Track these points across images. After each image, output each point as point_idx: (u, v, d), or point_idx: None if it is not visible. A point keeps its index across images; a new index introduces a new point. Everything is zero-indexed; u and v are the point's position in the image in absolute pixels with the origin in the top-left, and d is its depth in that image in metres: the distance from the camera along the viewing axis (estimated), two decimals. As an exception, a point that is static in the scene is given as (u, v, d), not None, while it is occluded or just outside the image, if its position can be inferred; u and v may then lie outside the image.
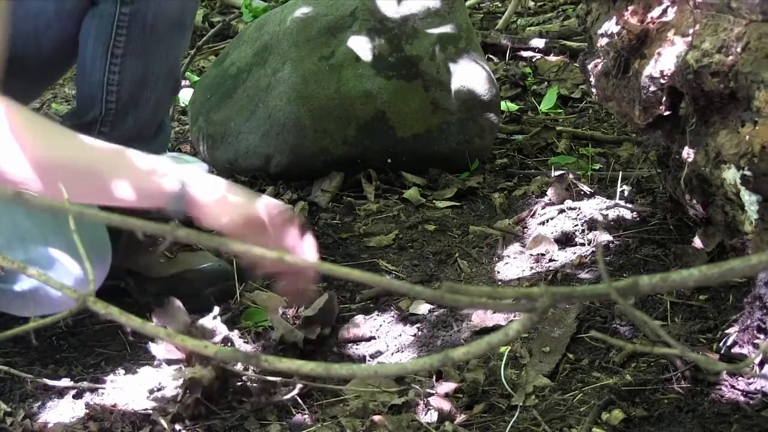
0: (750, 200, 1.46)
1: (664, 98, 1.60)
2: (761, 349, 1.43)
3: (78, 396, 1.57)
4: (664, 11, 1.60)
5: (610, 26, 1.70)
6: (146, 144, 1.78)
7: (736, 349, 1.51)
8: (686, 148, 1.63)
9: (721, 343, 1.55)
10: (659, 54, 1.60)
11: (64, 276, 1.45)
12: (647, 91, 1.62)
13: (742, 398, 1.44)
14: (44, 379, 1.60)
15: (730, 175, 1.49)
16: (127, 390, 1.57)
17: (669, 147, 1.79)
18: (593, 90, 1.83)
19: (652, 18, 1.61)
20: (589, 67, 1.81)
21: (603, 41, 1.73)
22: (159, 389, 1.56)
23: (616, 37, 1.67)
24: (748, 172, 1.43)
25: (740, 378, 1.47)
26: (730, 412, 1.41)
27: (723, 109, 1.51)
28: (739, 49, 1.42)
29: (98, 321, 1.75)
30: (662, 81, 1.59)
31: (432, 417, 1.46)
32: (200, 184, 1.35)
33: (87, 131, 1.71)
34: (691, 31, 1.51)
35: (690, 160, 1.61)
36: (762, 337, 1.47)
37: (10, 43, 1.67)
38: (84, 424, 1.48)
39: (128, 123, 1.71)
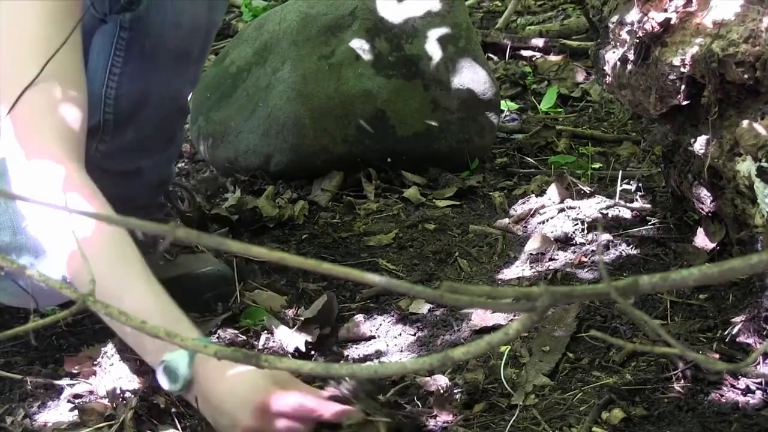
0: (765, 192, 1.47)
1: (682, 87, 1.61)
2: (765, 344, 1.43)
3: (77, 395, 1.57)
4: (689, 1, 1.60)
5: (632, 15, 1.70)
6: (152, 157, 1.78)
7: (741, 339, 1.51)
8: (699, 139, 1.63)
9: (725, 332, 1.55)
10: (682, 42, 1.60)
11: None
12: (666, 79, 1.62)
13: (742, 397, 1.44)
14: (44, 379, 1.60)
15: (744, 167, 1.50)
16: (127, 386, 1.57)
17: (677, 141, 1.79)
18: (607, 79, 1.83)
19: (676, 7, 1.61)
20: (606, 56, 1.81)
21: (623, 30, 1.73)
22: (158, 386, 1.56)
23: (637, 25, 1.67)
24: (765, 164, 1.44)
25: (741, 377, 1.47)
26: (730, 411, 1.41)
27: (739, 103, 1.52)
28: None
29: (98, 320, 1.75)
30: (683, 69, 1.59)
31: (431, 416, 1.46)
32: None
33: (91, 137, 1.72)
34: (718, 20, 1.51)
35: (703, 151, 1.61)
36: (769, 327, 1.48)
37: None
38: (83, 424, 1.48)
39: (128, 136, 1.71)
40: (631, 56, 1.72)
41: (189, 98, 1.89)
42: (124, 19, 1.58)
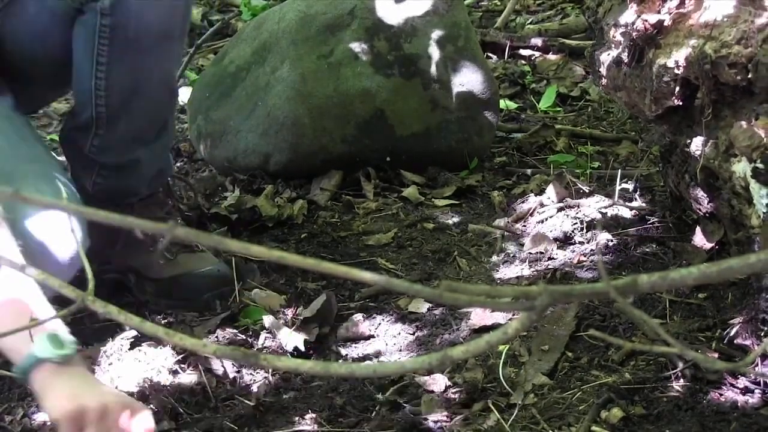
0: (760, 193, 1.47)
1: (677, 89, 1.61)
2: (764, 344, 1.43)
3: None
4: (682, 2, 1.60)
5: (626, 17, 1.70)
6: (147, 145, 1.78)
7: (738, 340, 1.51)
8: (695, 140, 1.63)
9: (723, 333, 1.55)
10: (675, 44, 1.60)
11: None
12: (660, 80, 1.62)
13: (741, 397, 1.44)
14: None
15: (740, 168, 1.50)
16: (126, 386, 1.57)
17: (674, 141, 1.80)
18: (603, 80, 1.83)
19: (669, 9, 1.61)
20: (601, 57, 1.81)
21: (617, 31, 1.73)
22: (157, 385, 1.56)
23: (631, 27, 1.67)
24: (760, 165, 1.44)
25: (740, 376, 1.47)
26: (729, 410, 1.41)
27: (734, 104, 1.52)
28: (760, 41, 1.42)
29: (97, 319, 1.75)
30: (677, 71, 1.59)
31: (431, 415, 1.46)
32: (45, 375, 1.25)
33: (85, 133, 1.72)
34: (711, 21, 1.51)
35: (699, 152, 1.61)
36: (766, 329, 1.47)
37: (19, 45, 1.68)
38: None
39: (121, 127, 1.71)
40: (625, 58, 1.72)
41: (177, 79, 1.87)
42: (104, 5, 1.57)
